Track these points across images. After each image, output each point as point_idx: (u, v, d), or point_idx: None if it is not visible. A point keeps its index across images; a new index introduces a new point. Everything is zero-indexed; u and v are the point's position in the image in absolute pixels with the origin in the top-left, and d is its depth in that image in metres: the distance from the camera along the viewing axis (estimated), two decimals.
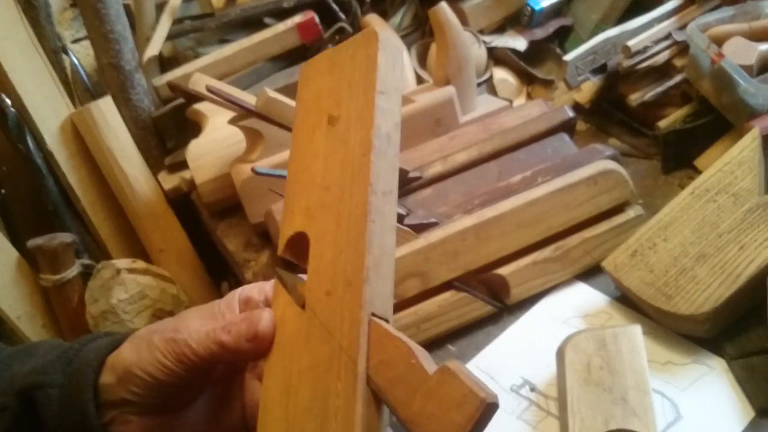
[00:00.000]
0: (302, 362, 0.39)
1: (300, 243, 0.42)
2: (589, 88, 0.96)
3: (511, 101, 1.00)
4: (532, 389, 0.63)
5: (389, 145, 0.41)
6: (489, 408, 0.32)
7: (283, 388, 0.39)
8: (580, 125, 0.97)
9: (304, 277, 0.42)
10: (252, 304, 0.46)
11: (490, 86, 1.05)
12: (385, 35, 0.43)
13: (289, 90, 1.03)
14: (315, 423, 0.36)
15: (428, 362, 0.35)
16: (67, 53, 1.14)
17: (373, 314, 0.37)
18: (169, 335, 0.44)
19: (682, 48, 0.88)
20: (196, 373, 0.44)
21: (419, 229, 0.70)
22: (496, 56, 1.07)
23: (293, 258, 0.43)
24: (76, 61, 1.15)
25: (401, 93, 0.45)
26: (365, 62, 0.43)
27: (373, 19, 1.11)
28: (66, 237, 1.00)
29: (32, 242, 0.99)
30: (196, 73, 1.01)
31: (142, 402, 0.45)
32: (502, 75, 1.05)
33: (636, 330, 0.60)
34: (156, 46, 1.10)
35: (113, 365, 0.45)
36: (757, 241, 0.61)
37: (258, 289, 0.47)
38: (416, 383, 0.34)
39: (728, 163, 0.67)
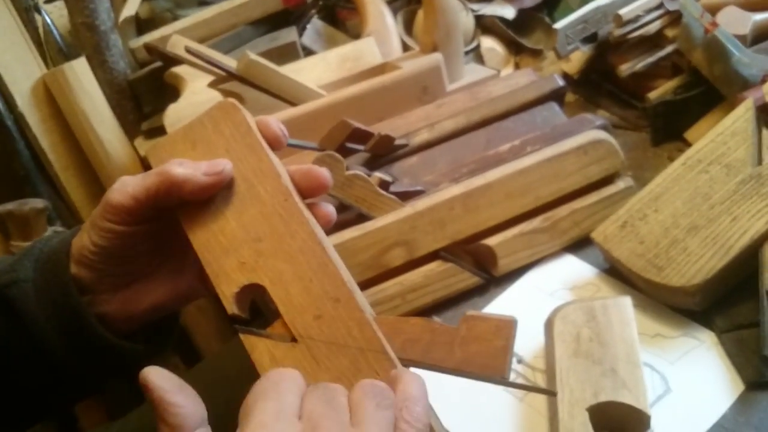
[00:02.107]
0: (322, 381, 0.41)
1: (246, 296, 0.45)
2: (578, 58, 0.94)
3: (498, 71, 0.98)
4: (519, 361, 0.62)
5: (292, 185, 0.47)
6: (516, 325, 0.39)
7: None
8: (569, 96, 0.95)
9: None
10: None
11: (477, 55, 1.03)
12: (238, 104, 0.48)
13: (271, 55, 1.00)
14: None
15: (445, 323, 0.41)
16: (39, 12, 1.10)
17: (371, 314, 0.42)
18: (102, 201, 0.46)
19: (674, 18, 0.86)
20: (140, 228, 0.46)
21: (405, 197, 0.68)
22: (483, 24, 1.05)
23: (243, 312, 0.45)
24: (49, 21, 1.11)
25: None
26: (236, 129, 0.47)
27: None
28: (38, 203, 0.97)
29: (2, 207, 0.96)
30: (174, 35, 0.98)
31: (108, 277, 0.48)
32: (489, 44, 1.03)
33: (626, 301, 0.59)
34: (133, 5, 1.07)
35: (74, 253, 0.47)
36: (749, 213, 0.60)
37: None
38: (449, 339, 0.40)
39: (721, 134, 0.66)
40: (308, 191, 0.47)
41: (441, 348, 0.40)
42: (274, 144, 0.48)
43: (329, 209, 0.48)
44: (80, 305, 0.47)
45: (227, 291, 0.45)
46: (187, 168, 0.45)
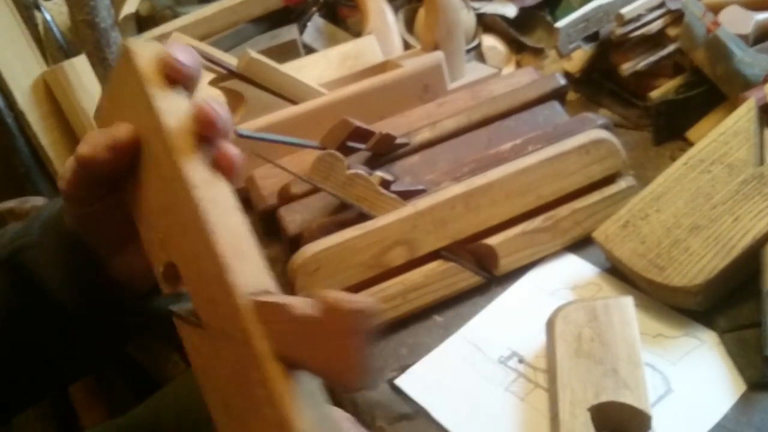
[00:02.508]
0: (222, 377, 0.37)
1: (170, 275, 0.41)
2: (579, 57, 0.94)
3: (500, 69, 0.98)
4: (521, 361, 0.62)
5: (190, 138, 0.38)
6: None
7: (223, 411, 0.38)
8: (570, 95, 0.95)
9: None
10: None
11: (478, 53, 1.02)
12: (138, 43, 0.41)
13: (272, 53, 1.00)
14: (255, 424, 0.35)
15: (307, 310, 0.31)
16: (39, 9, 1.09)
17: (252, 294, 0.34)
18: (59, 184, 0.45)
19: (676, 17, 0.86)
20: (101, 204, 0.45)
21: (406, 196, 0.68)
22: (485, 23, 1.05)
23: (175, 290, 0.41)
24: (49, 18, 1.11)
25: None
26: (134, 78, 0.40)
27: None
28: (38, 200, 0.97)
29: (3, 205, 0.96)
30: (174, 33, 0.98)
31: (102, 244, 0.48)
32: (491, 42, 1.03)
33: (628, 301, 0.58)
34: (133, 3, 1.07)
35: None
36: (751, 213, 0.59)
37: None
38: (310, 330, 0.31)
39: (723, 134, 0.66)
40: (203, 134, 0.39)
41: (306, 342, 0.31)
42: (183, 81, 0.40)
43: (229, 151, 0.40)
44: (89, 265, 0.48)
45: (158, 271, 0.41)
46: (90, 145, 0.42)
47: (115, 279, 0.50)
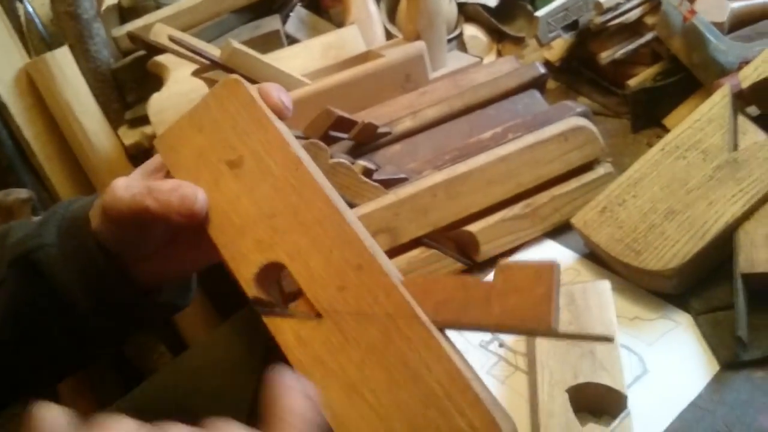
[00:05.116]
0: (354, 357, 0.39)
1: (266, 276, 0.43)
2: (559, 45, 0.95)
3: (481, 58, 0.99)
4: (501, 345, 0.63)
5: (305, 152, 0.45)
6: (558, 269, 0.35)
7: (346, 395, 0.39)
8: (550, 83, 0.96)
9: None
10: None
11: (460, 43, 1.03)
12: (241, 79, 0.47)
13: (255, 43, 1.01)
14: (409, 388, 0.38)
15: (478, 279, 0.38)
16: (21, 1, 1.09)
17: (398, 278, 0.40)
18: (102, 201, 0.47)
19: (654, 6, 0.87)
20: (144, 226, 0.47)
21: (388, 184, 0.69)
22: (466, 12, 1.06)
23: (264, 294, 0.43)
24: (30, 9, 1.10)
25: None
26: (242, 105, 0.46)
27: None
28: (22, 193, 0.97)
29: None
30: (157, 24, 0.98)
31: (129, 250, 0.49)
32: (472, 31, 1.04)
33: (605, 285, 0.60)
34: None
35: (95, 227, 0.49)
36: (725, 197, 0.61)
37: None
38: (484, 295, 0.37)
39: (698, 120, 0.67)
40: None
41: (477, 305, 0.37)
42: (279, 114, 0.47)
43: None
44: (108, 270, 0.49)
45: (246, 273, 0.43)
46: (159, 204, 0.44)
47: (133, 281, 0.51)
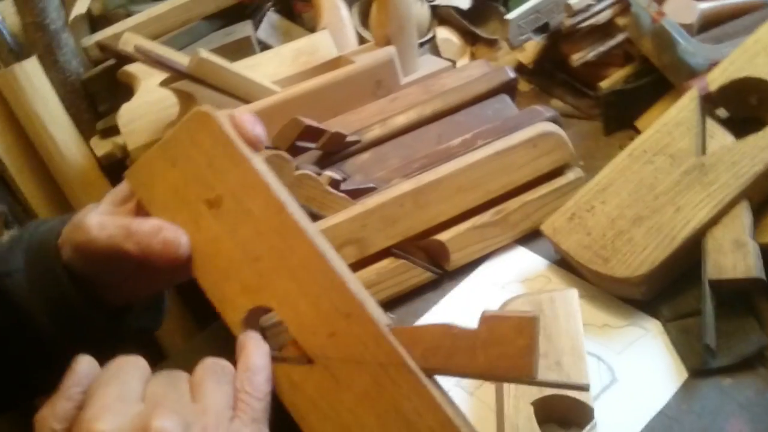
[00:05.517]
0: (347, 402, 0.41)
1: (255, 319, 0.44)
2: (532, 48, 0.95)
3: (454, 62, 0.98)
4: None
5: (286, 193, 0.45)
6: (537, 321, 0.37)
7: None
8: (524, 86, 0.95)
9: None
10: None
11: (433, 46, 1.02)
12: (213, 111, 0.45)
13: (226, 50, 1.00)
14: None
15: (463, 326, 0.39)
16: None
17: (386, 325, 0.41)
18: (75, 239, 0.47)
19: (625, 7, 0.86)
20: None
21: (356, 194, 0.68)
22: (439, 15, 1.05)
23: None
24: None
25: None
26: (216, 140, 0.45)
27: None
28: None
29: None
30: (126, 33, 0.96)
31: (100, 276, 0.49)
32: (445, 35, 1.03)
33: (573, 294, 0.59)
34: (83, 3, 1.05)
35: (66, 252, 0.48)
36: (692, 203, 0.60)
37: None
38: (470, 343, 0.38)
39: (666, 124, 0.66)
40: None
41: (463, 354, 0.39)
42: (254, 147, 0.46)
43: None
44: (75, 298, 0.48)
45: (234, 317, 0.44)
46: (138, 246, 0.44)
47: (103, 305, 0.51)
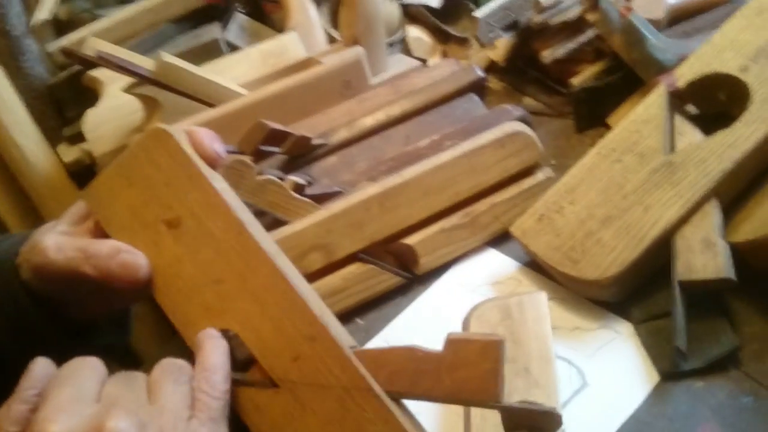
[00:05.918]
0: (311, 427, 0.40)
1: None
2: (504, 45, 0.93)
3: (425, 60, 0.97)
4: None
5: (248, 213, 0.44)
6: (502, 344, 0.37)
7: None
8: (496, 84, 0.94)
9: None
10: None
11: (403, 45, 1.01)
12: (171, 128, 0.45)
13: (194, 53, 0.98)
14: None
15: (428, 348, 0.39)
16: None
17: (350, 347, 0.41)
18: (32, 260, 0.46)
19: (594, 3, 0.85)
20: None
21: (321, 199, 0.67)
22: (409, 13, 1.04)
23: None
24: None
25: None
26: (173, 159, 0.44)
27: None
28: None
29: None
30: (90, 37, 0.94)
31: (61, 295, 0.48)
32: (416, 33, 1.02)
33: (541, 297, 0.58)
34: (45, 9, 1.03)
35: (25, 273, 0.47)
36: (660, 202, 0.59)
37: None
38: (435, 366, 0.38)
39: (634, 121, 0.65)
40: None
41: (428, 377, 0.38)
42: (212, 164, 0.45)
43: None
44: (36, 319, 0.47)
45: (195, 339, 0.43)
46: (97, 270, 0.44)
47: (66, 324, 0.50)
